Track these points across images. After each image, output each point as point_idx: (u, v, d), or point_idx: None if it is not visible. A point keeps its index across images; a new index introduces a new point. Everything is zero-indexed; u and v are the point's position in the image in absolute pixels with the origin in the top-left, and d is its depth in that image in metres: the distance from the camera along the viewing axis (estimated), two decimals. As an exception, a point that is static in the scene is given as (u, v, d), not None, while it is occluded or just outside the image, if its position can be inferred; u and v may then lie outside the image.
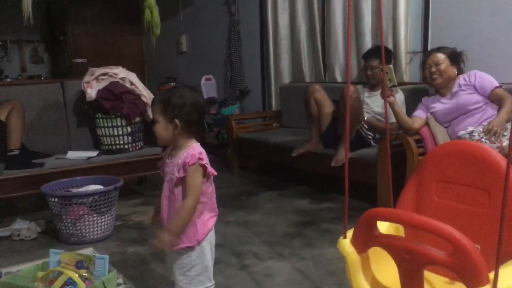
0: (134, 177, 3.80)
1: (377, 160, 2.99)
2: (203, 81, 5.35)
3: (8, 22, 6.30)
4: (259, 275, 2.28)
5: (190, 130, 1.64)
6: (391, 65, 3.11)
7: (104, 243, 2.77)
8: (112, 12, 6.69)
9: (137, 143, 3.62)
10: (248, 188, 3.91)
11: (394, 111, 2.86)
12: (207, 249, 1.71)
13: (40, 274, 1.93)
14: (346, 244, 1.38)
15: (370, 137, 3.31)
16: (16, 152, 3.16)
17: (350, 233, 1.42)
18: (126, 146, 3.55)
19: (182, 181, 1.63)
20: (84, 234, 2.75)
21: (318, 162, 3.54)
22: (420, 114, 2.92)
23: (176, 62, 6.29)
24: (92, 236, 2.77)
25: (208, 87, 5.38)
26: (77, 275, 1.87)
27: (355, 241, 1.36)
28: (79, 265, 1.97)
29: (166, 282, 2.22)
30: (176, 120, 1.60)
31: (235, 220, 3.08)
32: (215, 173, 1.68)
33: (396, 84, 2.79)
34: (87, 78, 3.50)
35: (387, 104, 2.69)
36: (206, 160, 1.64)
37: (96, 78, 3.47)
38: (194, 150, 1.63)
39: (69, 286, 1.86)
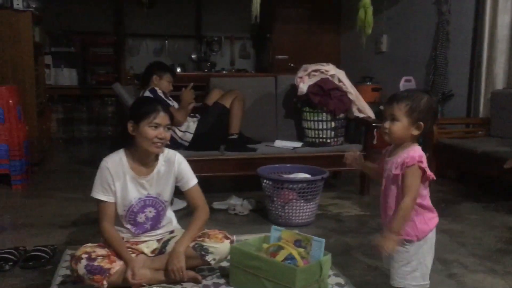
0: (332, 171, 3.94)
1: None
2: (402, 82, 5.24)
3: (224, 21, 7.09)
4: (470, 286, 2.18)
5: (422, 135, 1.71)
6: None
7: (308, 228, 2.95)
8: (314, 12, 6.99)
9: (338, 138, 3.74)
10: (447, 196, 3.74)
11: None
12: (426, 247, 1.74)
13: (265, 245, 2.16)
14: None
15: None
16: (236, 136, 3.56)
17: None
18: (328, 140, 3.70)
19: (397, 178, 1.70)
20: (290, 217, 2.98)
21: (536, 178, 3.21)
22: None
23: (373, 61, 6.28)
24: (297, 220, 2.98)
25: (407, 88, 5.25)
26: (297, 252, 2.04)
27: None
28: (297, 244, 2.15)
29: (372, 274, 2.29)
30: (421, 123, 1.66)
31: (437, 226, 2.98)
32: (434, 178, 1.70)
33: None
34: (300, 73, 3.74)
35: None
36: (425, 164, 1.68)
37: (309, 74, 3.69)
38: (415, 152, 1.69)
39: (289, 261, 2.05)
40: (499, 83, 4.30)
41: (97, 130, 6.49)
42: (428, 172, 1.68)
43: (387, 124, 1.72)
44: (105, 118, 6.49)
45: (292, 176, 3.09)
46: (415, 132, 1.69)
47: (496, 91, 4.27)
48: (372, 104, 4.21)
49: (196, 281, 2.11)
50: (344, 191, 3.90)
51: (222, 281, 2.16)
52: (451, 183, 4.12)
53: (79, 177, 4.17)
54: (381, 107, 5.69)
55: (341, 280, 2.20)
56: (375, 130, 3.66)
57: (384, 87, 5.89)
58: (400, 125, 1.68)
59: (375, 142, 3.67)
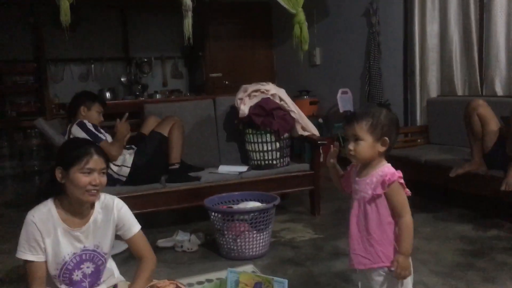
0: (281, 193, 3.80)
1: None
2: (339, 94, 5.26)
3: (152, 41, 6.82)
4: (438, 310, 2.10)
5: (389, 149, 1.63)
6: None
7: (263, 260, 2.78)
8: (245, 28, 6.88)
9: (284, 159, 3.61)
10: (396, 208, 3.70)
11: None
12: None
13: (222, 293, 1.96)
14: None
15: (549, 159, 2.95)
16: (177, 166, 3.32)
17: None
18: (275, 162, 3.56)
19: (377, 198, 1.61)
20: (243, 250, 2.79)
21: (481, 184, 3.25)
22: None
23: (308, 75, 6.26)
24: (251, 253, 2.80)
25: (345, 100, 5.27)
26: (258, 297, 1.86)
27: None
28: (257, 287, 1.97)
29: (340, 310, 2.15)
30: (386, 138, 1.58)
31: (393, 244, 2.91)
32: (410, 194, 1.64)
33: None
34: (240, 94, 3.58)
35: None
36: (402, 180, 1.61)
37: (249, 95, 3.54)
38: (390, 169, 1.62)
39: (250, 308, 1.86)
40: (433, 91, 4.38)
41: (21, 165, 5.94)
42: (406, 188, 1.62)
43: (351, 146, 1.62)
44: (30, 152, 5.97)
45: (241, 205, 2.91)
46: (381, 149, 1.60)
47: (431, 99, 4.34)
48: (310, 118, 4.16)
49: None
50: (295, 212, 3.77)
51: (177, 337, 1.92)
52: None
53: (4, 223, 3.74)
54: (320, 120, 5.65)
55: (307, 320, 2.04)
56: (320, 147, 3.57)
57: (321, 100, 5.89)
58: (365, 144, 1.59)
59: (321, 159, 3.58)
